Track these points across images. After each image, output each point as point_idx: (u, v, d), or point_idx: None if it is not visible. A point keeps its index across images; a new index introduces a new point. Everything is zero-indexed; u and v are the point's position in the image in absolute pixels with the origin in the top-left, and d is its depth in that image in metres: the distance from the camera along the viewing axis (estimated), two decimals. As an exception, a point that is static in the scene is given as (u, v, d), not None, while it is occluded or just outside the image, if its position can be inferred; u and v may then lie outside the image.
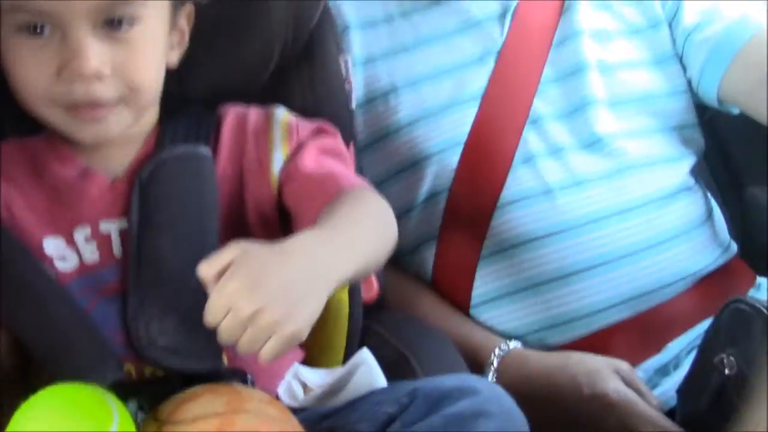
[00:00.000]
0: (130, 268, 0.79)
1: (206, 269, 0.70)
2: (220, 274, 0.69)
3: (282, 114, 0.89)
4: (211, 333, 0.76)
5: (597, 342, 1.02)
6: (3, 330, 0.79)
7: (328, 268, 0.72)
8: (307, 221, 0.81)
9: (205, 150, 0.84)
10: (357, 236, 0.77)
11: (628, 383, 0.94)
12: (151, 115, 0.85)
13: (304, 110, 0.94)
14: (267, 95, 0.92)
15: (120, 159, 0.84)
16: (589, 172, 1.07)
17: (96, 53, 0.75)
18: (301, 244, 0.73)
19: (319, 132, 0.89)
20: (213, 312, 0.69)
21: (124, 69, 0.76)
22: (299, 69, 0.96)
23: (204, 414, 0.70)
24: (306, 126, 0.89)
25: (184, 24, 0.85)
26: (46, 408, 0.66)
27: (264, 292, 0.68)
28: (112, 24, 0.75)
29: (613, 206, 1.06)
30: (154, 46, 0.79)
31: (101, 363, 0.75)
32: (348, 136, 1.00)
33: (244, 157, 0.86)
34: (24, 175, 0.83)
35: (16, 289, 0.77)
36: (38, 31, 0.75)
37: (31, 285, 0.78)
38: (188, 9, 0.84)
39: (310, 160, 0.85)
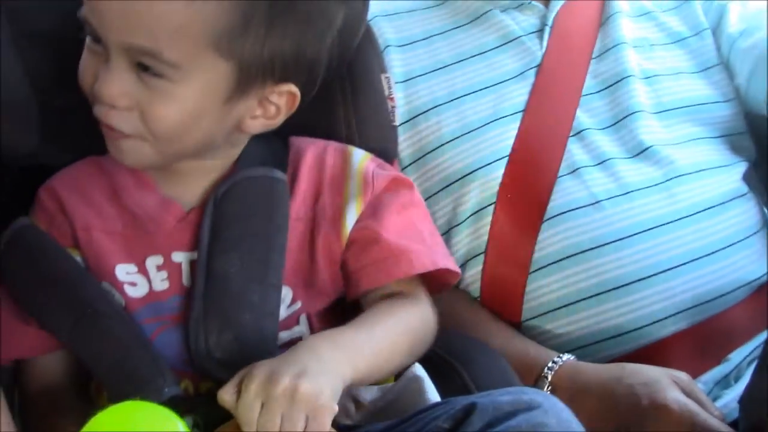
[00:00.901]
0: (196, 287, 0.80)
1: (225, 397, 0.71)
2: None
3: (359, 160, 0.89)
4: (269, 349, 0.77)
5: (654, 354, 1.00)
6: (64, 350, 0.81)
7: (333, 366, 0.73)
8: (361, 288, 0.84)
9: (279, 173, 0.85)
10: (373, 350, 0.79)
11: (687, 394, 0.91)
12: (231, 153, 0.86)
13: (348, 128, 0.95)
14: (312, 113, 0.93)
15: (198, 188, 0.85)
16: (638, 182, 1.06)
17: (119, 85, 0.76)
18: (304, 345, 0.75)
19: (395, 183, 0.89)
20: (246, 415, 0.69)
21: (144, 112, 0.78)
22: (342, 87, 0.97)
23: None
24: (382, 177, 0.88)
25: (281, 101, 0.83)
26: (114, 424, 0.66)
27: (285, 375, 0.69)
28: (145, 68, 0.77)
29: (664, 215, 1.04)
30: (184, 105, 0.78)
31: (158, 378, 0.76)
32: (392, 154, 1.01)
33: (318, 201, 0.87)
34: (102, 197, 0.85)
35: (77, 310, 0.79)
36: (99, 41, 0.78)
37: (91, 306, 0.79)
38: (290, 88, 0.82)
39: (383, 224, 0.85)
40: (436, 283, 0.89)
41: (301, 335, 0.84)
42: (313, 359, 0.73)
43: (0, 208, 0.87)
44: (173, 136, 0.79)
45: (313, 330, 0.85)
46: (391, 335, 0.81)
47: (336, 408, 0.71)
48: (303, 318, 0.85)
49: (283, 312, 0.83)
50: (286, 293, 0.83)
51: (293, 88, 0.82)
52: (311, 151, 0.89)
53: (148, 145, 0.79)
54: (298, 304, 0.84)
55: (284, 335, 0.83)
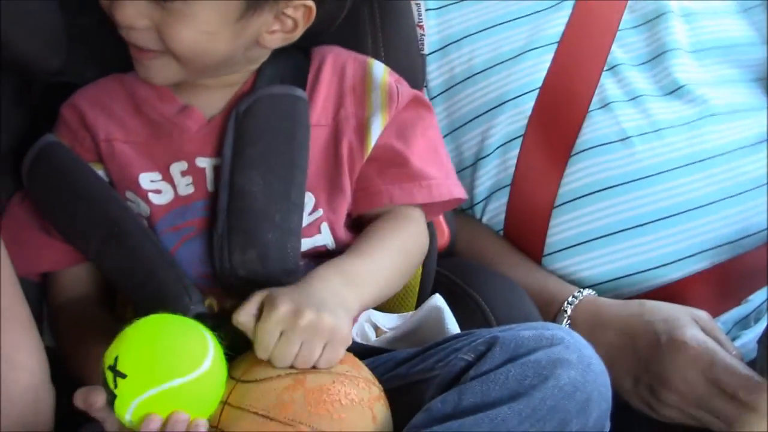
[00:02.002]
0: (219, 200, 0.82)
1: (242, 319, 0.72)
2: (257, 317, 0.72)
3: (380, 74, 0.89)
4: (291, 267, 0.78)
5: (674, 293, 1.00)
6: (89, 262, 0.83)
7: (343, 298, 0.75)
8: (377, 203, 0.86)
9: (300, 92, 0.86)
10: (372, 270, 0.81)
11: (707, 332, 0.91)
12: (250, 67, 0.87)
13: (376, 56, 0.94)
14: (340, 40, 0.92)
15: (218, 100, 0.86)
16: (669, 120, 1.04)
17: (133, 9, 0.78)
18: (316, 277, 0.77)
19: (416, 103, 0.89)
20: (264, 343, 0.71)
21: (162, 32, 0.78)
22: (372, 14, 0.96)
23: (276, 372, 0.72)
24: (405, 93, 0.89)
25: (297, 15, 0.83)
26: (144, 336, 0.68)
27: (308, 308, 0.71)
28: None
29: (693, 155, 1.03)
30: (198, 24, 0.78)
31: (184, 295, 0.78)
32: (419, 83, 1.00)
33: (341, 110, 0.87)
34: (124, 110, 0.86)
35: (103, 229, 0.81)
36: None
37: (117, 225, 0.81)
38: (304, 2, 0.82)
39: (408, 147, 0.87)
40: (440, 205, 0.91)
41: (325, 245, 0.86)
42: (330, 293, 0.75)
43: (27, 125, 0.88)
44: (193, 55, 0.80)
45: (337, 239, 0.86)
46: (394, 262, 0.84)
47: (350, 340, 0.74)
48: (325, 226, 0.86)
49: (305, 219, 0.84)
50: (308, 200, 0.84)
51: (308, 2, 0.82)
52: (330, 59, 0.89)
53: (174, 62, 0.80)
54: (320, 212, 0.85)
55: (307, 244, 0.84)
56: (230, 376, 0.72)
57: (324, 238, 0.86)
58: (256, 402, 0.70)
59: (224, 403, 0.70)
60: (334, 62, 0.89)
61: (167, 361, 0.66)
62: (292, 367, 0.71)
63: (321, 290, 0.75)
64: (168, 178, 0.84)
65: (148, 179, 0.84)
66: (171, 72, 0.82)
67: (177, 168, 0.84)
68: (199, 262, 0.82)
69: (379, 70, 0.89)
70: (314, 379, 0.71)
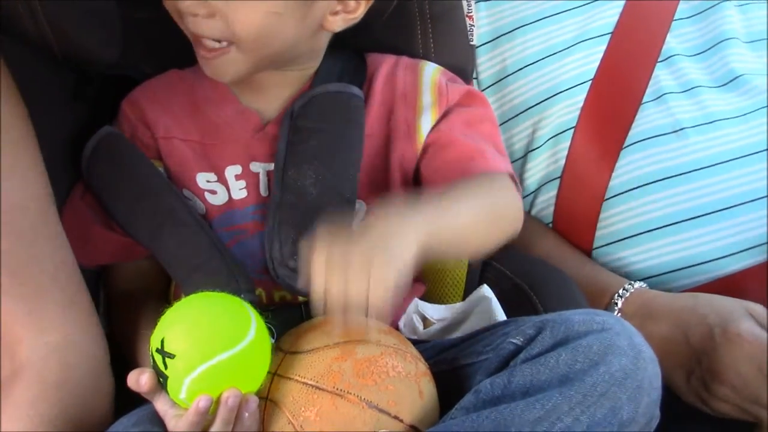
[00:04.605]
0: (272, 195, 0.82)
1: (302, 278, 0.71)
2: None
3: (431, 74, 0.89)
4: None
5: (728, 286, 0.98)
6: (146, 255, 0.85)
7: (402, 230, 0.71)
8: (435, 187, 0.83)
9: (356, 90, 0.86)
10: (449, 209, 0.77)
11: (762, 326, 0.90)
12: (310, 64, 0.87)
13: (425, 47, 0.94)
14: (389, 31, 0.92)
15: (276, 102, 0.86)
16: (724, 111, 1.03)
17: None
18: (382, 213, 0.74)
19: (468, 98, 0.88)
20: (315, 278, 0.69)
21: (227, 17, 0.77)
22: (421, 5, 0.95)
23: (325, 343, 0.72)
24: (456, 89, 0.88)
25: None
26: (191, 309, 0.70)
27: (345, 239, 0.69)
28: None
29: (748, 146, 1.01)
30: (266, 5, 0.77)
31: (235, 284, 0.79)
32: (468, 74, 0.99)
33: (392, 117, 0.87)
34: (183, 108, 0.87)
35: (159, 217, 0.82)
36: None
37: (172, 212, 0.82)
38: None
39: (456, 130, 0.85)
40: None
41: None
42: (379, 227, 0.71)
43: (85, 118, 0.90)
44: (260, 40, 0.79)
45: None
46: (475, 209, 0.80)
47: (401, 272, 0.70)
48: None
49: (357, 226, 0.84)
50: (360, 207, 0.85)
51: None
52: (384, 67, 0.89)
53: (240, 55, 0.80)
54: None
55: None
56: (279, 348, 0.73)
57: None
58: (305, 372, 0.70)
59: (273, 374, 0.71)
60: (387, 70, 0.89)
61: (212, 336, 0.67)
62: (339, 339, 0.71)
63: (372, 222, 0.72)
64: (223, 180, 0.85)
65: (204, 179, 0.85)
66: (238, 66, 0.81)
67: (232, 171, 0.85)
68: (251, 258, 0.83)
69: (430, 70, 0.89)
70: (363, 350, 0.71)
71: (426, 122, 0.86)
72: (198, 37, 0.79)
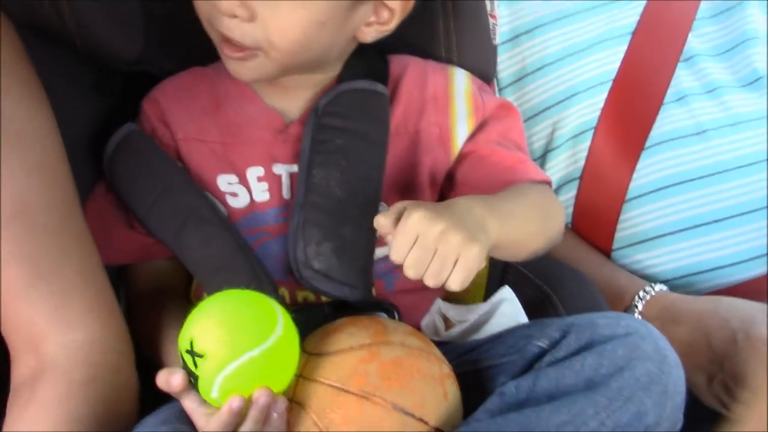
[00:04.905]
0: (296, 195, 0.82)
1: (383, 221, 0.71)
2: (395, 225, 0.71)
3: (464, 83, 0.88)
4: (365, 264, 0.78)
5: (750, 290, 0.98)
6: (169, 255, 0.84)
7: (484, 223, 0.72)
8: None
9: (381, 87, 0.85)
10: (512, 211, 0.78)
11: None
12: (335, 67, 0.86)
13: (447, 47, 0.94)
14: (411, 31, 0.92)
15: (300, 102, 0.85)
16: (748, 113, 1.02)
17: None
18: (459, 200, 0.75)
19: (503, 109, 0.88)
20: (400, 246, 0.70)
21: (267, 24, 0.76)
22: (444, 4, 0.95)
23: (350, 345, 0.72)
24: (491, 101, 0.88)
25: (395, 5, 0.81)
26: (217, 307, 0.69)
27: (444, 218, 0.70)
28: None
29: (772, 148, 1.01)
30: (310, 12, 0.76)
31: (257, 283, 0.78)
32: (490, 75, 0.99)
33: (422, 119, 0.86)
34: (204, 108, 0.86)
35: (182, 216, 0.82)
36: None
37: (195, 211, 0.82)
38: None
39: (494, 144, 0.85)
40: None
41: None
42: (470, 214, 0.72)
43: (107, 114, 0.90)
44: (297, 47, 0.78)
45: None
46: (532, 213, 0.81)
47: (484, 262, 0.72)
48: None
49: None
50: (384, 209, 0.84)
51: None
52: (412, 68, 0.88)
53: (269, 60, 0.79)
54: None
55: (380, 251, 0.83)
56: (303, 350, 0.73)
57: None
58: (330, 374, 0.70)
59: (298, 375, 0.71)
60: (415, 71, 0.88)
61: (241, 333, 0.67)
62: (365, 341, 0.71)
63: (462, 210, 0.73)
64: (244, 182, 0.84)
65: (225, 181, 0.84)
66: (265, 70, 0.80)
67: (254, 173, 0.84)
68: (273, 260, 0.82)
69: (462, 78, 0.88)
70: (388, 352, 0.71)
71: (462, 131, 0.85)
72: (228, 39, 0.78)
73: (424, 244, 0.69)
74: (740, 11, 1.07)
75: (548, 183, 0.86)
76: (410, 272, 0.70)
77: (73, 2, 0.81)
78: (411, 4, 0.82)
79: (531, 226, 0.80)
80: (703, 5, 1.08)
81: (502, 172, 0.84)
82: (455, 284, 0.69)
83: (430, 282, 0.69)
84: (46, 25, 0.82)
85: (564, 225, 0.86)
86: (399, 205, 0.72)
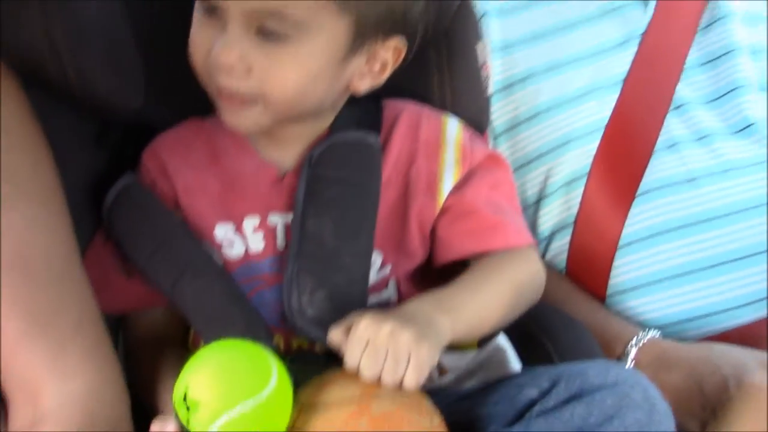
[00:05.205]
0: (290, 244, 0.83)
1: (334, 335, 0.74)
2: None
3: (455, 131, 0.89)
4: (356, 312, 0.79)
5: (743, 337, 0.98)
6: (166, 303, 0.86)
7: (434, 321, 0.75)
8: (452, 255, 0.85)
9: (374, 138, 0.87)
10: (470, 300, 0.80)
11: None
12: (329, 116, 0.88)
13: (441, 95, 0.95)
14: (407, 78, 0.93)
15: (294, 151, 0.87)
16: (738, 160, 1.03)
17: (238, 51, 0.77)
18: (407, 304, 0.77)
19: (491, 160, 0.90)
20: (352, 352, 0.72)
21: (264, 77, 0.78)
22: (438, 55, 0.97)
23: (341, 398, 0.72)
24: (479, 150, 0.89)
25: (388, 56, 0.83)
26: (212, 357, 0.71)
27: (391, 320, 0.72)
28: (266, 34, 0.77)
29: (763, 196, 1.02)
30: (305, 66, 0.78)
31: (252, 332, 0.79)
32: (484, 124, 1.01)
33: (413, 167, 0.87)
34: (202, 159, 0.88)
35: (178, 267, 0.83)
36: (213, 13, 0.79)
37: (191, 261, 0.83)
38: (397, 43, 0.83)
39: (480, 197, 0.86)
40: None
41: (389, 299, 0.87)
42: (420, 314, 0.75)
43: (108, 166, 0.91)
44: (292, 99, 0.80)
45: (401, 294, 0.87)
46: (499, 294, 0.82)
47: (435, 361, 0.73)
48: (392, 282, 0.87)
49: (374, 276, 0.85)
50: (377, 257, 0.85)
51: (400, 42, 0.83)
52: (405, 116, 0.90)
53: (264, 111, 0.80)
54: (388, 268, 0.86)
55: (373, 299, 0.85)
56: (297, 400, 0.73)
57: (390, 293, 0.87)
58: (321, 428, 0.71)
59: (291, 429, 0.71)
60: (409, 118, 0.89)
61: (235, 385, 0.68)
62: (361, 391, 0.72)
63: (411, 311, 0.75)
64: (241, 232, 0.86)
65: (222, 231, 0.86)
66: (260, 121, 0.81)
67: (250, 223, 0.86)
68: (268, 308, 0.84)
69: (454, 127, 0.90)
70: (378, 406, 0.71)
71: (448, 180, 0.87)
72: (225, 91, 0.80)
73: (375, 346, 0.71)
74: (729, 60, 1.09)
75: (531, 244, 0.87)
76: (366, 374, 0.71)
77: (74, 56, 0.82)
78: (403, 55, 0.84)
79: (493, 308, 0.82)
80: (692, 54, 1.10)
81: (480, 234, 0.85)
82: (410, 382, 0.71)
83: (388, 380, 0.71)
84: (49, 79, 0.84)
85: (543, 285, 0.87)
86: (350, 318, 0.74)
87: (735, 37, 1.09)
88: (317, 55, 0.78)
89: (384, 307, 0.86)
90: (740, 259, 1.00)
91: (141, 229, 0.85)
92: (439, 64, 0.97)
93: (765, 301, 1.00)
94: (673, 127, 1.06)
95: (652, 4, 1.11)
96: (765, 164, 1.03)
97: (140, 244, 0.85)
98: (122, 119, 0.92)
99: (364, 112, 0.89)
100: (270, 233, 0.85)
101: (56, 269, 0.75)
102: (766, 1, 1.08)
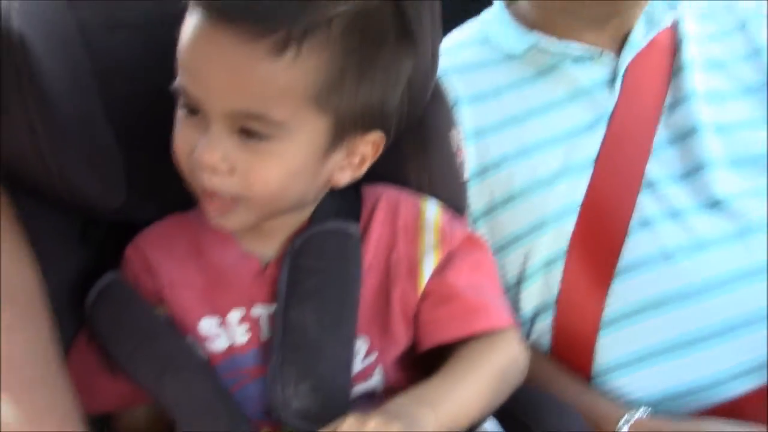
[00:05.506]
0: (274, 337, 0.83)
1: None
2: None
3: (434, 214, 0.91)
4: (343, 401, 0.79)
5: (731, 411, 0.98)
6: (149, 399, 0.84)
7: (418, 416, 0.75)
8: (436, 340, 0.85)
9: (354, 228, 0.87)
10: (460, 398, 0.80)
11: None
12: (309, 208, 0.88)
13: (418, 182, 0.97)
14: (384, 166, 0.95)
15: (276, 243, 0.88)
16: (711, 234, 1.05)
17: (220, 150, 0.78)
18: (390, 403, 0.77)
19: (470, 242, 0.91)
20: None
21: (247, 176, 0.79)
22: (414, 142, 0.99)
23: None
24: (459, 232, 0.90)
25: (367, 150, 0.85)
26: None
27: (375, 418, 0.72)
28: (248, 134, 0.78)
29: (738, 269, 1.03)
30: (287, 163, 0.79)
31: (235, 428, 0.79)
32: (462, 208, 1.02)
33: (393, 252, 0.88)
34: (186, 253, 0.88)
35: (161, 365, 0.83)
36: (195, 113, 0.80)
37: (174, 358, 0.83)
38: (375, 137, 0.85)
39: (461, 280, 0.87)
40: None
41: (375, 388, 0.86)
42: (403, 410, 0.74)
43: (90, 261, 0.91)
44: (273, 197, 0.80)
45: (387, 381, 0.86)
46: (480, 383, 0.82)
47: None
48: (378, 369, 0.86)
49: (360, 364, 0.85)
50: (362, 344, 0.85)
51: (378, 136, 0.85)
52: (384, 201, 0.91)
53: (248, 209, 0.81)
54: (374, 356, 0.86)
55: (359, 388, 0.85)
56: None
57: (377, 380, 0.86)
58: None
59: None
60: (387, 204, 0.90)
61: None
62: None
63: (394, 408, 0.75)
64: (225, 325, 0.86)
65: (206, 325, 0.86)
66: (244, 219, 0.82)
67: (234, 316, 0.86)
68: (253, 401, 0.83)
69: (433, 209, 0.91)
70: None
71: (429, 264, 0.87)
72: (209, 191, 0.80)
73: None
74: (696, 138, 1.11)
75: (512, 327, 0.88)
76: None
77: (57, 156, 0.83)
78: (381, 148, 0.86)
79: (477, 397, 0.82)
80: (660, 132, 1.12)
81: (462, 319, 0.85)
82: None
83: None
84: (35, 180, 0.84)
85: (525, 370, 0.87)
86: (336, 422, 0.73)
87: (699, 115, 1.11)
88: (298, 154, 0.79)
89: (370, 396, 0.85)
90: (724, 332, 1.01)
91: (123, 325, 0.85)
92: (415, 152, 0.99)
93: (750, 374, 1.00)
94: (646, 204, 1.07)
95: (618, 86, 1.14)
96: (737, 239, 1.05)
97: (122, 340, 0.84)
98: (105, 216, 0.92)
99: (343, 201, 0.90)
100: (254, 325, 0.85)
101: (39, 372, 0.74)
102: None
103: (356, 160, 0.85)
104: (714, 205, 1.07)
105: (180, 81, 0.79)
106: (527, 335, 1.09)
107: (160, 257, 0.88)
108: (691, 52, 1.16)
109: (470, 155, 1.10)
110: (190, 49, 0.78)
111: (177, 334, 0.85)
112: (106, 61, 0.89)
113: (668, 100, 1.14)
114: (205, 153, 0.78)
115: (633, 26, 1.17)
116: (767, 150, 1.10)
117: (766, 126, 1.12)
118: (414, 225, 0.89)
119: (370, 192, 0.92)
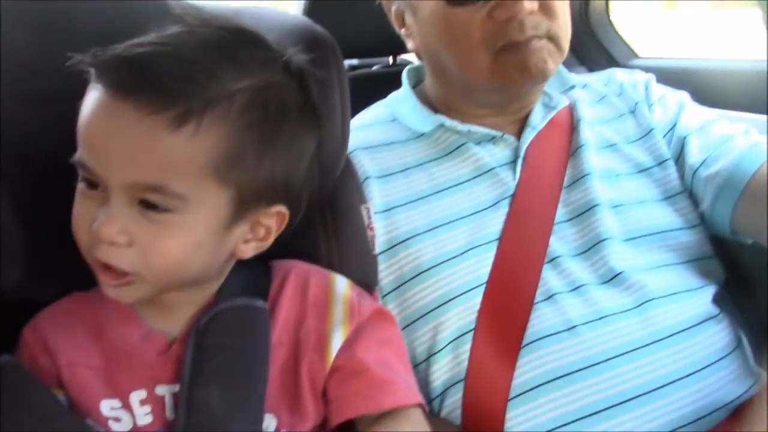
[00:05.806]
0: (177, 418, 0.81)
1: None
2: None
3: (343, 288, 0.91)
4: None
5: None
6: None
7: None
8: (344, 416, 0.85)
9: (261, 303, 0.87)
10: None
11: None
12: (216, 283, 0.87)
13: (329, 257, 0.97)
14: (295, 240, 0.95)
15: (181, 320, 0.87)
16: (611, 307, 1.08)
17: (119, 223, 0.77)
18: None
19: (379, 316, 0.91)
20: None
21: (145, 249, 0.78)
22: (324, 217, 1.00)
23: None
24: (367, 307, 0.91)
25: (271, 222, 0.85)
26: None
27: None
28: (148, 206, 0.78)
29: (639, 339, 1.06)
30: (188, 235, 0.79)
31: None
32: (372, 282, 1.03)
33: (302, 326, 0.88)
34: (86, 333, 0.86)
35: None
36: (94, 187, 0.79)
37: None
38: (280, 210, 0.85)
39: (369, 355, 0.87)
40: None
41: None
42: None
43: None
44: (174, 269, 0.79)
45: None
46: None
47: None
48: None
49: None
50: (270, 421, 0.84)
51: (283, 209, 0.85)
52: (293, 276, 0.91)
53: (146, 283, 0.80)
54: None
55: None
56: None
57: None
58: None
59: None
60: (297, 278, 0.90)
61: None
62: None
63: None
64: (128, 406, 0.83)
65: (108, 407, 0.83)
66: (142, 292, 0.81)
67: (136, 396, 0.83)
68: None
69: (342, 284, 0.92)
70: None
71: (337, 338, 0.87)
72: (106, 265, 0.79)
73: None
74: (593, 216, 1.15)
75: (419, 404, 0.88)
76: None
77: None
78: (286, 220, 0.86)
79: None
80: (560, 210, 1.16)
81: (369, 395, 0.85)
82: None
83: None
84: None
85: None
86: None
87: (596, 193, 1.16)
88: (200, 226, 0.79)
89: None
90: (628, 400, 1.02)
91: (17, 408, 0.81)
92: (325, 227, 1.00)
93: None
94: (549, 279, 1.10)
95: (519, 167, 1.18)
96: (635, 310, 1.08)
97: (18, 424, 0.80)
98: (4, 295, 0.89)
99: (251, 275, 0.89)
100: (158, 405, 0.83)
101: None
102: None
103: (261, 232, 0.85)
104: (612, 278, 1.11)
105: (79, 154, 0.79)
106: (438, 411, 1.09)
107: (58, 336, 0.85)
108: (586, 133, 1.22)
109: (380, 230, 1.12)
110: (90, 122, 0.77)
111: (74, 417, 0.81)
112: (4, 136, 0.87)
113: (567, 178, 1.19)
114: (103, 225, 0.77)
115: (532, 110, 1.23)
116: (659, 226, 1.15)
117: (656, 203, 1.18)
118: (323, 299, 0.89)
119: (280, 266, 0.92)
